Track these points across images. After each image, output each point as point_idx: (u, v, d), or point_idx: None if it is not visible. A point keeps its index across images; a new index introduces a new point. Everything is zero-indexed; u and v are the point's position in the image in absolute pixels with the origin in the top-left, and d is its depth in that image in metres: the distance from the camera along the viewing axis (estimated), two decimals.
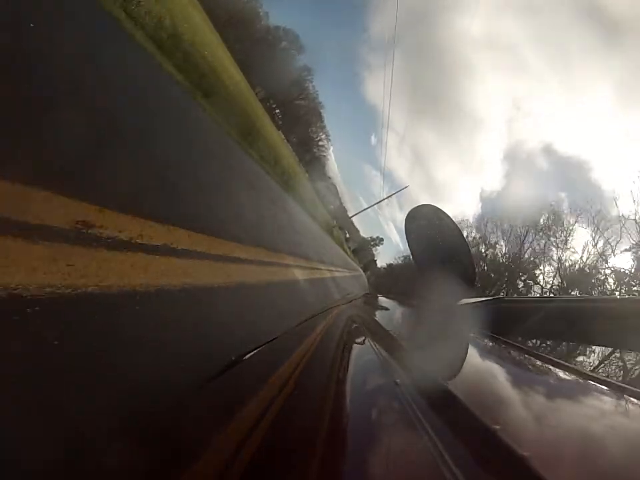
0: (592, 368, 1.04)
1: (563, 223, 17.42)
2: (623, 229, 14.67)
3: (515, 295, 15.73)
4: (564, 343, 1.36)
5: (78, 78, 1.82)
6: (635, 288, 13.42)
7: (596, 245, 15.78)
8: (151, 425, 0.96)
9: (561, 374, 0.69)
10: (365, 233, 55.82)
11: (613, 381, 0.68)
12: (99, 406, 0.89)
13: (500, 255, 19.23)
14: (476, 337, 1.14)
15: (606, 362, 1.10)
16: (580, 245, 17.04)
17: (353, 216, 37.98)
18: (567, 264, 16.51)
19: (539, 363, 0.79)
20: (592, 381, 0.63)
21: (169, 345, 1.32)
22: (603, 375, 0.96)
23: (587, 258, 15.94)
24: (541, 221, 17.88)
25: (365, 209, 36.82)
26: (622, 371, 1.04)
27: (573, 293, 14.84)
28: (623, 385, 0.59)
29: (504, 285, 18.17)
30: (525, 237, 18.27)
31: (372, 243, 54.25)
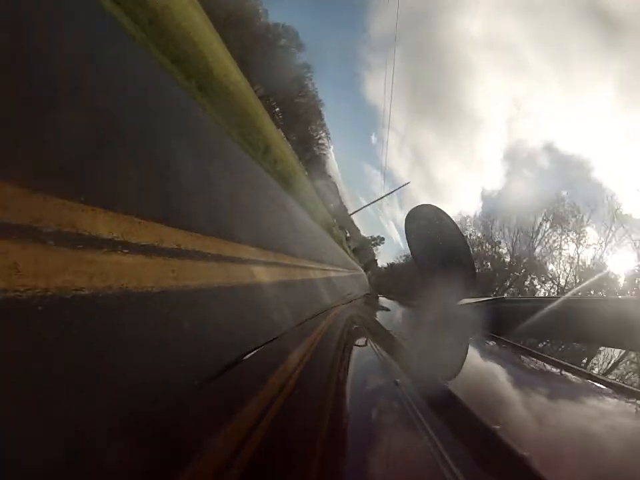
0: (604, 372, 1.04)
1: (579, 211, 16.50)
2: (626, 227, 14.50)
3: (520, 295, 15.52)
4: (564, 343, 1.36)
5: (77, 77, 1.82)
6: None
7: (607, 242, 15.46)
8: (151, 424, 0.96)
9: (561, 374, 0.69)
10: (365, 233, 55.78)
11: (612, 381, 0.68)
12: (98, 406, 0.89)
13: (509, 253, 18.45)
14: (476, 337, 1.14)
15: (619, 363, 1.10)
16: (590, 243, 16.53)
17: (353, 213, 37.96)
18: (582, 261, 15.91)
19: (538, 362, 0.79)
20: (592, 380, 0.63)
21: (169, 345, 1.32)
22: (613, 377, 0.96)
23: (600, 256, 15.60)
24: (549, 217, 17.28)
25: (365, 206, 36.86)
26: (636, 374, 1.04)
27: (592, 292, 14.36)
28: (623, 384, 0.59)
29: (509, 284, 17.66)
30: (537, 231, 17.41)
31: (373, 243, 54.21)
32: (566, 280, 15.98)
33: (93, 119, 1.74)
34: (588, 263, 15.77)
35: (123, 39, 3.04)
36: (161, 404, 1.06)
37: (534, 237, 17.61)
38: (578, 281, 15.33)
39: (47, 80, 1.56)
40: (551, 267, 16.99)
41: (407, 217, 1.49)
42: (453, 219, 1.70)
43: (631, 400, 0.51)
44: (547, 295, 15.64)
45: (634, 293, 13.03)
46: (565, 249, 16.53)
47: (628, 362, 1.11)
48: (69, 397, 0.85)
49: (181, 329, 1.45)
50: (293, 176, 11.17)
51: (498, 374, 0.76)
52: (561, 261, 16.58)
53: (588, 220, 16.29)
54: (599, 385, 0.58)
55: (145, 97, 2.75)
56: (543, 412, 0.51)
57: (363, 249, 49.79)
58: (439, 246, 1.46)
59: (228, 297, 2.08)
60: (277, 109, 24.15)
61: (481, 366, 0.84)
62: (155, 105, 2.90)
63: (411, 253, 1.50)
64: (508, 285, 17.73)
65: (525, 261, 17.56)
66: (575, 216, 16.63)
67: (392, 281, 27.18)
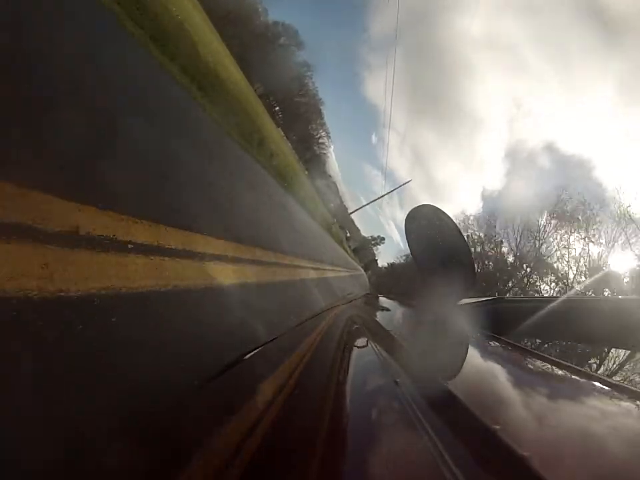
0: (609, 373, 1.04)
1: (590, 208, 15.72)
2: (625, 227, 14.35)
3: (522, 295, 15.39)
4: (564, 343, 1.36)
5: (77, 77, 1.82)
6: None
7: (615, 242, 15.22)
8: (151, 424, 0.96)
9: (561, 374, 0.69)
10: (365, 232, 55.81)
11: (612, 381, 0.68)
12: (99, 406, 0.89)
13: (513, 252, 18.13)
14: (476, 337, 1.14)
15: (627, 364, 1.10)
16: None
17: (352, 212, 37.88)
18: (592, 259, 15.44)
19: (538, 362, 0.79)
20: (592, 380, 0.63)
21: (169, 344, 1.32)
22: (619, 378, 0.96)
23: (607, 255, 15.36)
24: (554, 215, 16.93)
25: (365, 205, 36.80)
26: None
27: (606, 293, 14.08)
28: (622, 384, 0.59)
29: (512, 285, 17.40)
30: (543, 229, 16.92)
31: (373, 242, 54.20)
32: (574, 278, 15.68)
33: (92, 119, 1.74)
34: (597, 260, 15.45)
35: (123, 38, 3.05)
36: (161, 404, 1.06)
37: (539, 235, 17.37)
38: (587, 279, 15.08)
39: (46, 80, 1.56)
40: (558, 265, 16.71)
41: (407, 217, 1.49)
42: (455, 219, 1.70)
43: (631, 400, 0.51)
44: (553, 295, 15.44)
45: None
46: (573, 248, 16.22)
47: (633, 363, 1.10)
48: (69, 397, 0.85)
49: (181, 328, 1.45)
50: (293, 176, 11.27)
51: (498, 374, 0.76)
52: (569, 259, 16.21)
53: (596, 217, 15.95)
54: (599, 385, 0.58)
55: (146, 98, 2.75)
56: (543, 412, 0.51)
57: (363, 249, 49.77)
58: (439, 246, 1.46)
59: (228, 297, 2.08)
60: (277, 108, 24.08)
61: (481, 366, 0.84)
62: (155, 106, 2.90)
63: (411, 253, 1.50)
64: (511, 285, 17.52)
65: (531, 259, 17.25)
66: (585, 213, 16.27)
67: (392, 281, 27.14)
